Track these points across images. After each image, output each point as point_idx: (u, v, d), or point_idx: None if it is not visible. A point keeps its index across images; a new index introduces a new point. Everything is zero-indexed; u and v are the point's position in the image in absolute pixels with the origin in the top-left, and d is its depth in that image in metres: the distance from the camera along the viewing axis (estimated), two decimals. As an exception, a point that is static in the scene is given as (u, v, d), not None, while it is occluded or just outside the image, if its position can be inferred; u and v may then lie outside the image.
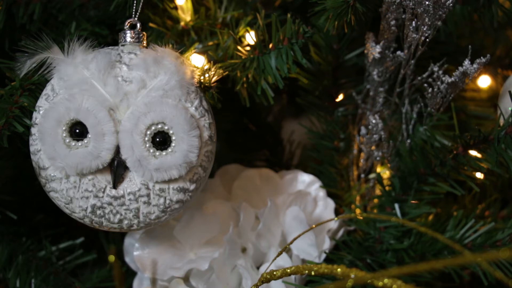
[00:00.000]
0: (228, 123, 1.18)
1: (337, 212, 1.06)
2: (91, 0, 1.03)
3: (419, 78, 0.99)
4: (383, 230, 1.02)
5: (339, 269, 0.76)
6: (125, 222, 0.90)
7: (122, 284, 0.73)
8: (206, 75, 0.92)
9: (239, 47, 0.98)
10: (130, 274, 1.04)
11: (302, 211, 1.00)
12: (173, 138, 0.88)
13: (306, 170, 1.08)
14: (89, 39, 0.90)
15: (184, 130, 0.88)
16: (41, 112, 0.89)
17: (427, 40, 0.95)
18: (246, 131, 1.21)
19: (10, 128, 0.89)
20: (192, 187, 0.90)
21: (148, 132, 0.88)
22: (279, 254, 0.92)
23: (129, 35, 0.92)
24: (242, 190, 1.06)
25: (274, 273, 0.84)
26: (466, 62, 0.94)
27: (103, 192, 0.89)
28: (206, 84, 0.92)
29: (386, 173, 1.05)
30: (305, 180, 1.07)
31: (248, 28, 1.01)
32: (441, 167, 0.98)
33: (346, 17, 0.89)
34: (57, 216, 0.99)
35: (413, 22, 0.94)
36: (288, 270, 0.83)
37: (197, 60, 0.97)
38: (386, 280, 0.69)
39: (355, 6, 0.88)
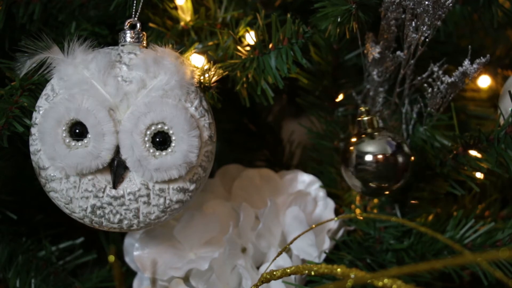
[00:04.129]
0: (228, 123, 1.18)
1: (337, 212, 1.06)
2: (91, 0, 1.03)
3: (419, 78, 0.99)
4: (383, 230, 1.02)
5: (339, 269, 0.76)
6: (125, 222, 0.90)
7: (122, 284, 0.74)
8: (206, 75, 0.92)
9: (239, 47, 0.98)
10: (130, 274, 1.04)
11: (302, 211, 1.00)
12: (173, 138, 0.88)
13: (306, 170, 1.08)
14: (89, 39, 0.90)
15: (184, 130, 0.88)
16: (41, 112, 0.89)
17: (427, 40, 0.95)
18: (246, 131, 1.21)
19: (10, 128, 0.89)
20: (192, 187, 0.90)
21: (148, 132, 0.88)
22: (279, 254, 0.92)
23: (129, 35, 0.92)
24: (242, 190, 1.06)
25: (274, 273, 0.84)
26: (466, 62, 0.94)
27: (103, 192, 0.89)
28: (206, 84, 0.92)
29: (386, 173, 1.05)
30: (305, 180, 1.07)
31: (248, 28, 1.01)
32: (441, 167, 0.98)
33: (348, 24, 0.89)
34: (57, 216, 0.99)
35: (413, 22, 0.94)
36: (288, 270, 0.83)
37: (197, 60, 0.97)
38: (386, 280, 0.69)
39: (358, 15, 0.88)
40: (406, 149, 0.94)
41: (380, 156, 0.93)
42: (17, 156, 0.98)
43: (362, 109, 0.96)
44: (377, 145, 0.93)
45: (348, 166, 0.95)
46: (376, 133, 0.94)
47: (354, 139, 0.95)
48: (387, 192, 0.95)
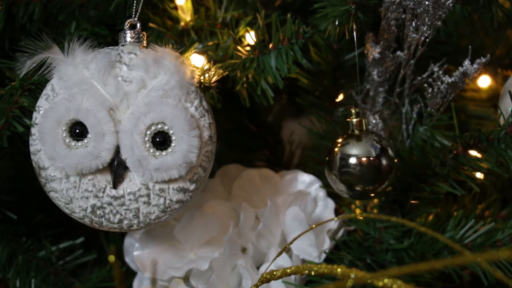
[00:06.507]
0: (228, 123, 1.18)
1: (337, 212, 1.06)
2: (91, 0, 1.03)
3: (419, 78, 0.99)
4: (383, 230, 1.02)
5: (339, 269, 0.76)
6: (125, 222, 0.90)
7: (122, 284, 0.74)
8: (206, 75, 0.92)
9: (239, 47, 0.98)
10: (130, 274, 1.04)
11: (302, 211, 1.00)
12: (173, 138, 0.89)
13: (306, 170, 1.08)
14: (89, 39, 0.90)
15: (184, 130, 0.88)
16: (41, 112, 0.89)
17: (427, 40, 0.95)
18: (246, 131, 1.21)
19: (10, 128, 0.89)
20: (192, 187, 0.90)
21: (148, 132, 0.88)
22: (279, 254, 0.92)
23: (129, 35, 0.92)
24: (242, 190, 1.06)
25: (274, 273, 0.84)
26: (466, 62, 0.94)
27: (103, 192, 0.89)
28: (206, 84, 0.92)
29: (386, 173, 1.04)
30: (305, 180, 1.07)
31: (248, 28, 1.01)
32: (441, 167, 0.98)
33: (347, 25, 0.89)
34: (57, 216, 0.99)
35: (413, 22, 0.94)
36: (288, 270, 0.83)
37: (197, 60, 0.97)
38: (386, 280, 0.69)
39: (357, 15, 0.88)
40: (390, 152, 0.92)
41: (363, 159, 0.90)
42: (17, 156, 0.98)
43: (353, 110, 0.95)
44: (361, 147, 0.91)
45: (332, 169, 0.92)
46: (362, 136, 0.92)
47: (339, 141, 0.93)
48: (372, 195, 0.93)
